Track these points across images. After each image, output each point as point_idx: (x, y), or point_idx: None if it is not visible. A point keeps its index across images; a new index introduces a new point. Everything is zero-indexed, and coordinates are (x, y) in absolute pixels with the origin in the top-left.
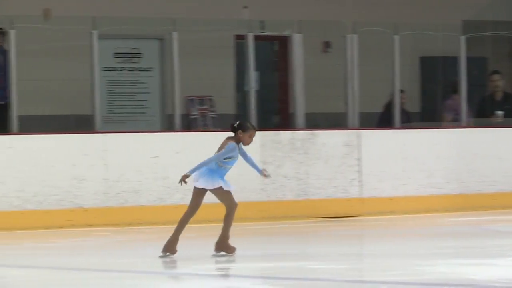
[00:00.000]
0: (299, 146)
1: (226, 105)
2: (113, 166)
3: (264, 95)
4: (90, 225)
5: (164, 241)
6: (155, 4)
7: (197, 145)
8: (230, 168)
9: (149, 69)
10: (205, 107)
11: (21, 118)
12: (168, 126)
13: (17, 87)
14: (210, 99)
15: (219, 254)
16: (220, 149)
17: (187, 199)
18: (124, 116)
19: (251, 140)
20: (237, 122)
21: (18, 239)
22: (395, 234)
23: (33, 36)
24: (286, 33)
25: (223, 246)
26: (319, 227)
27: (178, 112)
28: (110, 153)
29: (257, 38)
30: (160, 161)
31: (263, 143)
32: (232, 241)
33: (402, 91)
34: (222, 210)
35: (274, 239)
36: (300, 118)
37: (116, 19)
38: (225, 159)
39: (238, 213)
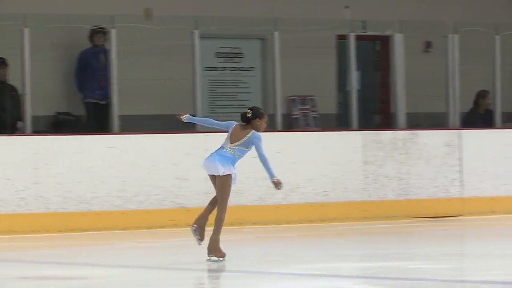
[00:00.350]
0: (401, 146)
1: (328, 105)
2: None
3: (366, 95)
4: (191, 225)
5: (264, 241)
6: (257, 4)
7: (298, 145)
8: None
9: (250, 69)
10: (306, 107)
11: (122, 118)
12: (269, 126)
13: (118, 87)
14: (312, 99)
15: (212, 258)
16: (234, 138)
17: (288, 199)
18: (226, 116)
19: (266, 125)
20: (250, 111)
21: (119, 239)
22: (496, 234)
23: (134, 35)
24: (387, 33)
25: (214, 249)
26: (420, 227)
27: (279, 112)
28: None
29: (358, 38)
30: None
31: (365, 143)
32: (332, 241)
33: (487, 91)
34: (326, 210)
35: (375, 239)
36: (401, 118)
37: (217, 19)
38: (245, 148)
39: (340, 212)
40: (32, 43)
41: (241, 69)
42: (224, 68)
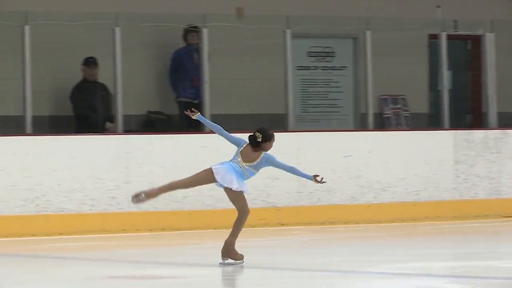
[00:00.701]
0: (492, 145)
1: (419, 104)
2: (307, 164)
3: (457, 94)
4: (283, 224)
5: (355, 240)
6: (349, 3)
7: (390, 144)
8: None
9: (342, 68)
10: (398, 106)
11: (214, 117)
12: (361, 125)
13: (210, 86)
14: (403, 98)
15: (226, 261)
16: (246, 158)
17: (380, 198)
18: (318, 115)
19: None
20: (260, 136)
21: (211, 238)
22: None
23: (226, 34)
24: (479, 32)
25: (229, 252)
26: (510, 226)
27: (371, 111)
28: (304, 152)
29: (450, 37)
30: (353, 160)
31: (456, 142)
32: (423, 240)
33: None
34: (417, 209)
35: (465, 238)
36: (492, 117)
37: (309, 18)
38: (255, 170)
39: (431, 212)
40: (124, 42)
41: (333, 68)
42: (316, 68)
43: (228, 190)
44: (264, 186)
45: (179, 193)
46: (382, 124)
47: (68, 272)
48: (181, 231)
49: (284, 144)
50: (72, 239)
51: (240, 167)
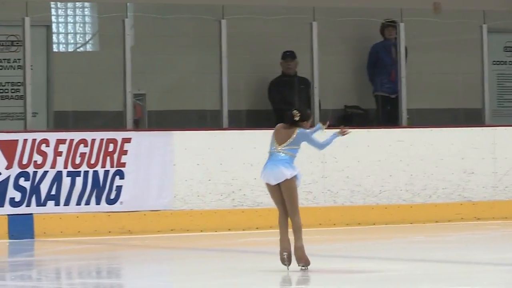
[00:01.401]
0: None
1: None
2: (502, 159)
3: None
4: (478, 219)
5: None
6: None
7: None
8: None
9: None
10: None
11: (411, 112)
12: None
13: (407, 80)
14: None
15: (303, 266)
16: (281, 139)
17: None
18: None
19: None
20: (298, 114)
21: (407, 233)
22: None
23: (423, 29)
24: None
25: (304, 256)
26: None
27: None
28: (499, 147)
29: None
30: None
31: None
32: None
33: None
34: None
35: None
36: None
37: (506, 13)
38: (296, 146)
39: None
40: (321, 36)
41: None
42: None
43: (284, 184)
44: (459, 181)
45: (375, 187)
46: None
47: (265, 266)
48: (377, 226)
49: (480, 139)
50: (268, 233)
51: (282, 153)
